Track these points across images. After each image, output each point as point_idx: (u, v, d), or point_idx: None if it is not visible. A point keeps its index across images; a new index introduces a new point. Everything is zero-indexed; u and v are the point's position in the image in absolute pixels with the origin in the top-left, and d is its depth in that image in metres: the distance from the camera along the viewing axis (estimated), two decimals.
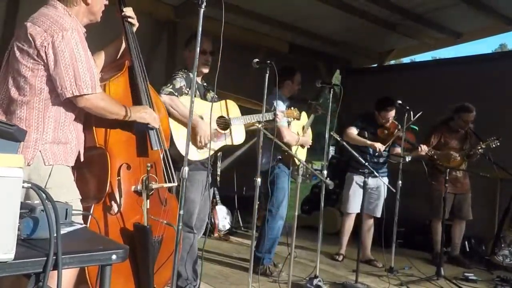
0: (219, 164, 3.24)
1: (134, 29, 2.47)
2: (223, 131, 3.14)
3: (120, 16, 2.43)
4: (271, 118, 3.56)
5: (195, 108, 2.90)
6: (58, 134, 1.99)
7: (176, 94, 2.95)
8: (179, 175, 2.93)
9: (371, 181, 4.41)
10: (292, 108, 3.87)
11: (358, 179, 4.62)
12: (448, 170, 4.39)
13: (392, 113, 4.52)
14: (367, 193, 4.46)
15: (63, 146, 2.02)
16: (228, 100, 3.27)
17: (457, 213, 4.81)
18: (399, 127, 4.42)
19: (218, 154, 3.23)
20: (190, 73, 3.12)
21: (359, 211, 4.62)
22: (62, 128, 2.00)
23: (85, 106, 2.03)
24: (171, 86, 2.93)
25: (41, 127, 1.94)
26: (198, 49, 2.20)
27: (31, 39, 1.90)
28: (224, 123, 3.17)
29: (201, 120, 2.97)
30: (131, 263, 2.27)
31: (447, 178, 4.30)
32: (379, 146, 4.42)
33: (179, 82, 3.01)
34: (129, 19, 2.43)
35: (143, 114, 2.28)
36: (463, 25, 6.04)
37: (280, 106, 3.92)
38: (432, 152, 4.55)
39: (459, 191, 4.82)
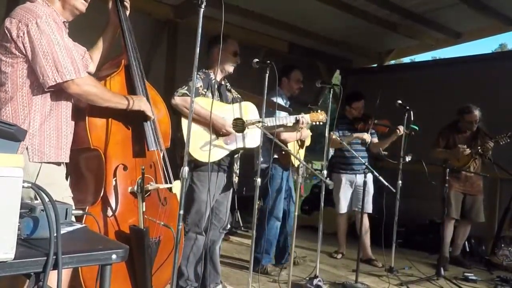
0: (236, 166, 3.22)
1: (127, 12, 2.41)
2: (237, 134, 3.08)
3: (113, 4, 2.37)
4: (294, 122, 3.54)
5: (216, 110, 2.89)
6: (45, 128, 1.97)
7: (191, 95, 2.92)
8: (191, 175, 2.96)
9: (358, 178, 4.56)
10: (319, 111, 3.77)
11: (347, 178, 4.69)
12: (456, 168, 4.47)
13: (362, 103, 4.71)
14: (356, 191, 4.64)
15: (55, 140, 1.99)
16: (247, 103, 3.23)
17: (466, 215, 4.77)
18: (372, 115, 4.53)
19: (235, 156, 3.18)
20: (211, 73, 3.11)
21: (351, 208, 4.77)
22: (49, 121, 1.98)
23: (76, 93, 1.99)
24: (186, 88, 2.88)
25: (27, 122, 1.92)
26: (197, 49, 2.19)
27: (7, 32, 1.89)
28: (239, 126, 3.11)
29: (218, 115, 2.94)
30: (128, 265, 2.25)
31: (447, 177, 4.31)
32: (366, 136, 4.51)
33: (196, 83, 2.97)
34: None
35: (137, 102, 2.23)
36: (463, 25, 6.04)
37: (280, 102, 3.92)
38: (410, 130, 4.53)
39: (469, 192, 4.77)
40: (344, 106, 4.83)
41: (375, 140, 4.74)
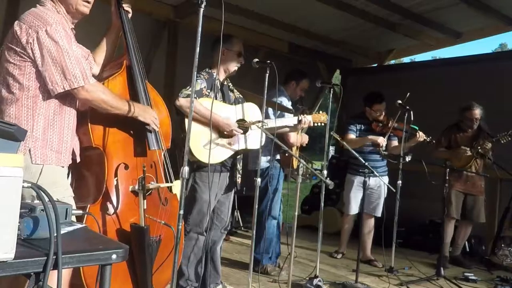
0: (238, 166, 3.22)
1: (129, 15, 2.45)
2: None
3: (115, 7, 2.41)
4: (295, 123, 3.54)
5: (219, 112, 2.90)
6: (49, 132, 1.98)
7: (195, 96, 2.87)
8: (194, 175, 2.96)
9: (372, 181, 4.46)
10: (321, 112, 3.76)
11: (358, 180, 4.63)
12: (456, 168, 4.49)
13: (384, 105, 4.59)
14: (368, 193, 4.49)
15: (56, 145, 2.01)
16: (250, 104, 3.22)
17: (468, 215, 4.76)
18: (392, 118, 4.47)
19: (238, 157, 3.18)
20: (214, 73, 3.10)
21: (359, 211, 4.69)
22: (52, 126, 2.00)
23: (86, 99, 2.03)
24: (190, 89, 2.83)
25: (30, 124, 1.94)
26: (197, 49, 2.19)
27: (17, 37, 1.91)
28: (242, 127, 3.10)
29: (220, 116, 2.94)
30: (128, 264, 2.26)
31: (447, 177, 4.31)
32: (380, 140, 4.43)
33: (199, 84, 2.94)
34: (123, 5, 2.40)
35: (143, 113, 2.27)
36: (463, 25, 6.04)
37: (285, 102, 3.93)
38: (430, 138, 4.52)
39: (470, 192, 4.76)
40: (364, 107, 4.70)
41: (395, 143, 4.68)
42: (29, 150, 1.92)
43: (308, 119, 3.57)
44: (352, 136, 4.60)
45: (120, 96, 2.30)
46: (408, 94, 4.21)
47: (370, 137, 4.47)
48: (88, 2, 2.11)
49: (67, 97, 2.03)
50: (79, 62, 1.97)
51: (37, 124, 1.96)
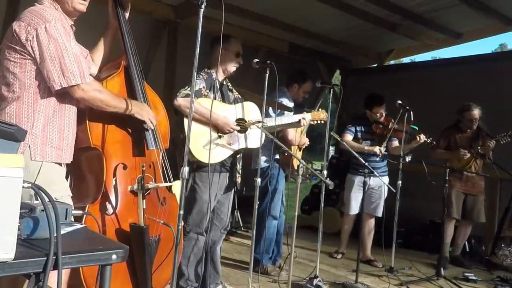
0: (238, 166, 3.22)
1: (127, 15, 2.45)
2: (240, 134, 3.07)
3: (112, 8, 2.40)
4: (296, 121, 3.55)
5: (218, 111, 2.90)
6: (48, 129, 1.98)
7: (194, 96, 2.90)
8: (193, 176, 2.97)
9: (372, 181, 4.47)
10: (320, 109, 3.77)
11: (359, 180, 4.63)
12: (457, 169, 4.52)
13: (384, 107, 4.58)
14: (368, 193, 4.51)
15: (57, 141, 2.01)
16: (249, 103, 3.22)
17: (468, 215, 4.77)
18: (393, 120, 4.47)
19: (238, 156, 3.18)
20: (213, 73, 3.10)
21: (359, 211, 4.68)
22: (52, 123, 2.00)
23: (82, 98, 2.03)
24: (188, 88, 2.86)
25: (30, 122, 1.94)
26: (198, 50, 2.19)
27: (16, 35, 1.91)
28: (242, 126, 3.10)
29: (219, 115, 2.94)
30: (128, 264, 2.26)
31: (447, 177, 4.31)
32: (376, 150, 4.46)
33: (198, 84, 2.94)
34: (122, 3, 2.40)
35: (140, 111, 2.27)
36: (463, 25, 6.04)
37: (285, 103, 3.93)
38: (431, 139, 4.53)
39: (470, 192, 4.76)
40: (364, 109, 4.69)
41: (396, 143, 4.68)
42: (29, 147, 1.93)
43: (307, 117, 3.58)
44: (348, 137, 4.60)
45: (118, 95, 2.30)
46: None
47: (366, 148, 4.51)
48: (84, 0, 2.10)
49: (67, 95, 2.03)
50: (77, 59, 1.97)
51: (37, 121, 1.95)
